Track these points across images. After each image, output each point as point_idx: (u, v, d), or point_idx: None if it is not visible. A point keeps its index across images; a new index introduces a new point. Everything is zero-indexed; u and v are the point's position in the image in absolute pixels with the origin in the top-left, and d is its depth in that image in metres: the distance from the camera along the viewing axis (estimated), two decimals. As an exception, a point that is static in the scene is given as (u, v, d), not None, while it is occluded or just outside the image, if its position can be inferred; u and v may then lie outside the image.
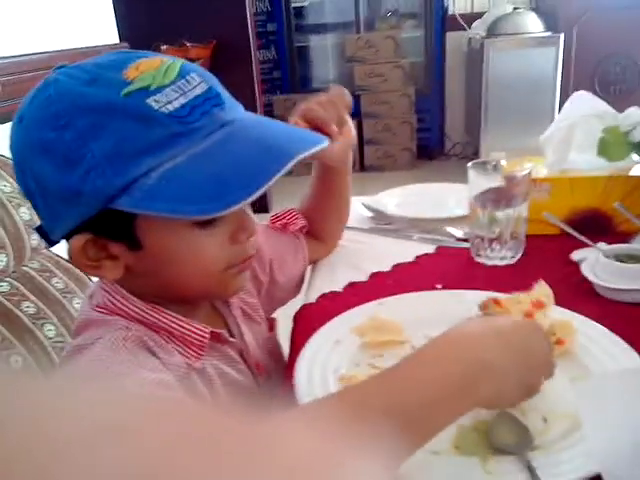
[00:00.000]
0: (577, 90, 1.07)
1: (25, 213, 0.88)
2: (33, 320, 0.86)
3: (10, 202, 0.86)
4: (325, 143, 0.56)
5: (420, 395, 0.45)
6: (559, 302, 0.76)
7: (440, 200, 1.18)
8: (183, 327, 0.60)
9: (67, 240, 0.57)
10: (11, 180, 0.88)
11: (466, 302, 0.78)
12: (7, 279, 0.87)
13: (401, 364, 0.48)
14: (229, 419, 0.20)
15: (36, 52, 1.46)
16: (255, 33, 3.78)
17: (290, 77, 4.78)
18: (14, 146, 0.55)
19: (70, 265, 0.98)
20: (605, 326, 0.70)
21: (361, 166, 4.53)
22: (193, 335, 0.61)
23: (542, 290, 0.66)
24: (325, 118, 0.81)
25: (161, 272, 0.59)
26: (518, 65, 3.56)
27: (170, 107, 0.51)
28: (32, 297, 0.88)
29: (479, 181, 0.93)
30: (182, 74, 0.54)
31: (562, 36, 3.48)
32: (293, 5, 4.60)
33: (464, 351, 0.48)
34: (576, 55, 3.59)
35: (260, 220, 0.68)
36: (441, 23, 4.32)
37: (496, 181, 0.93)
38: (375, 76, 4.30)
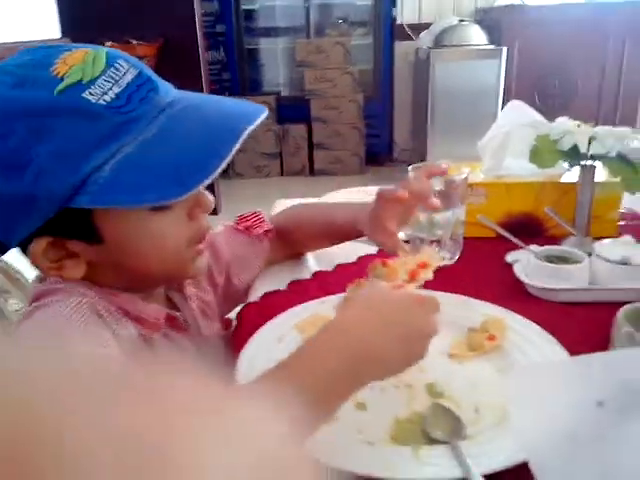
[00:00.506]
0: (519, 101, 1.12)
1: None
2: None
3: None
4: (265, 112, 0.57)
5: (315, 384, 0.48)
6: (494, 300, 0.80)
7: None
8: (138, 308, 0.61)
9: (19, 246, 0.55)
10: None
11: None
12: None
13: (297, 355, 0.50)
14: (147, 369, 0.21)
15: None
16: (203, 33, 3.75)
17: (240, 79, 4.76)
18: None
19: (2, 265, 0.94)
20: (536, 323, 0.73)
21: (311, 170, 4.56)
22: (148, 315, 0.61)
23: (428, 252, 0.69)
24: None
25: (124, 261, 0.58)
26: (463, 76, 3.67)
27: (107, 98, 0.51)
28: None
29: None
30: (110, 62, 0.53)
31: (505, 49, 3.61)
32: (243, 7, 4.59)
33: (352, 339, 0.51)
34: (518, 68, 3.73)
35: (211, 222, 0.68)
36: (389, 32, 4.40)
37: (436, 185, 0.96)
38: (325, 81, 4.34)
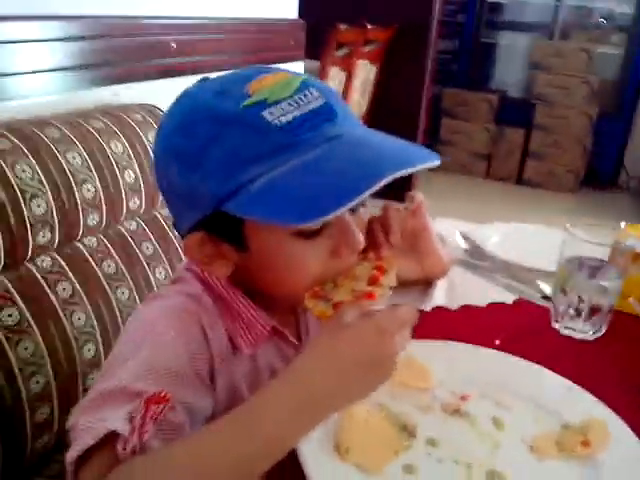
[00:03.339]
0: None
1: (130, 177, 0.94)
2: (109, 281, 0.89)
3: (118, 164, 0.93)
4: (433, 162, 0.55)
5: (263, 435, 0.49)
6: (623, 395, 0.69)
7: (544, 247, 1.10)
8: (251, 314, 0.65)
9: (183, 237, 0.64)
10: (123, 140, 0.95)
11: (508, 371, 0.74)
12: (95, 236, 0.89)
13: (248, 405, 0.51)
14: None
15: (209, 16, 1.58)
16: (440, 22, 3.70)
17: (467, 72, 4.63)
18: (155, 149, 0.63)
19: (165, 232, 1.01)
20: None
21: (518, 179, 4.30)
22: (257, 323, 0.65)
23: (386, 256, 0.62)
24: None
25: (261, 275, 0.63)
26: None
27: (283, 119, 0.54)
28: (115, 257, 0.90)
29: (577, 243, 0.86)
30: (302, 88, 0.56)
31: None
32: (490, 0, 4.43)
33: (301, 391, 0.51)
34: None
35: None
36: (648, 43, 3.91)
37: (597, 247, 0.85)
38: (557, 87, 4.03)
